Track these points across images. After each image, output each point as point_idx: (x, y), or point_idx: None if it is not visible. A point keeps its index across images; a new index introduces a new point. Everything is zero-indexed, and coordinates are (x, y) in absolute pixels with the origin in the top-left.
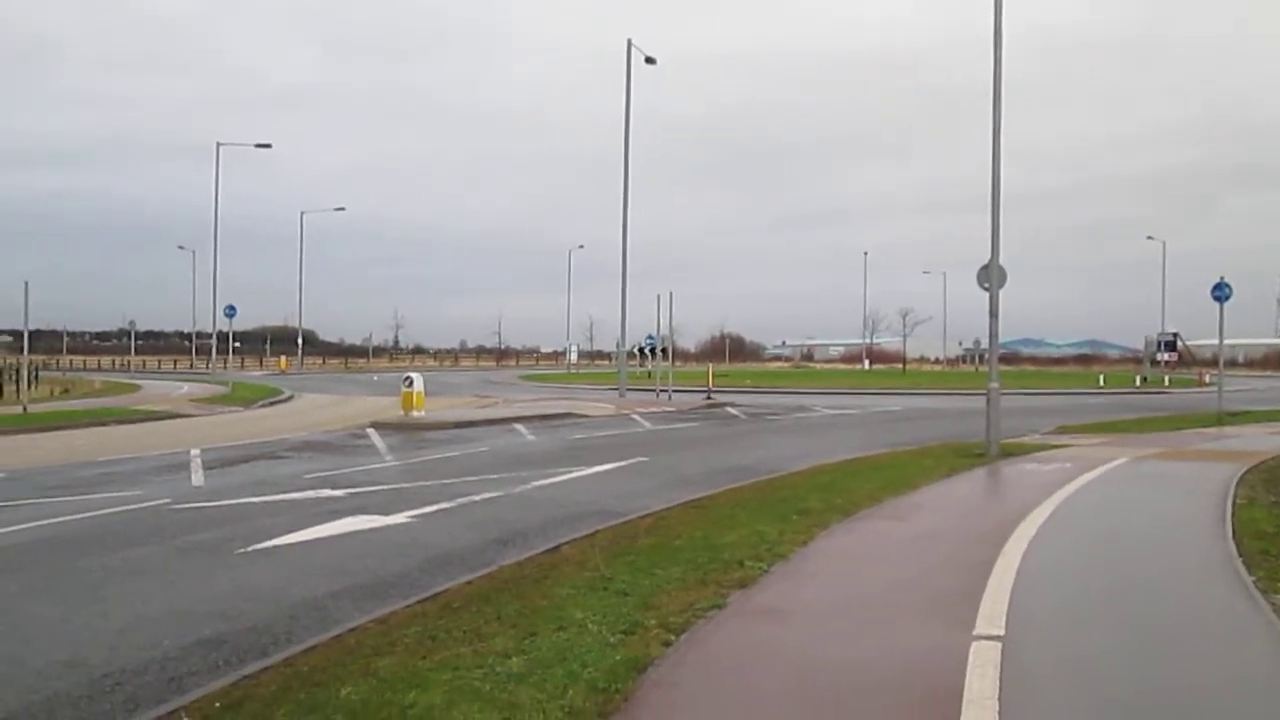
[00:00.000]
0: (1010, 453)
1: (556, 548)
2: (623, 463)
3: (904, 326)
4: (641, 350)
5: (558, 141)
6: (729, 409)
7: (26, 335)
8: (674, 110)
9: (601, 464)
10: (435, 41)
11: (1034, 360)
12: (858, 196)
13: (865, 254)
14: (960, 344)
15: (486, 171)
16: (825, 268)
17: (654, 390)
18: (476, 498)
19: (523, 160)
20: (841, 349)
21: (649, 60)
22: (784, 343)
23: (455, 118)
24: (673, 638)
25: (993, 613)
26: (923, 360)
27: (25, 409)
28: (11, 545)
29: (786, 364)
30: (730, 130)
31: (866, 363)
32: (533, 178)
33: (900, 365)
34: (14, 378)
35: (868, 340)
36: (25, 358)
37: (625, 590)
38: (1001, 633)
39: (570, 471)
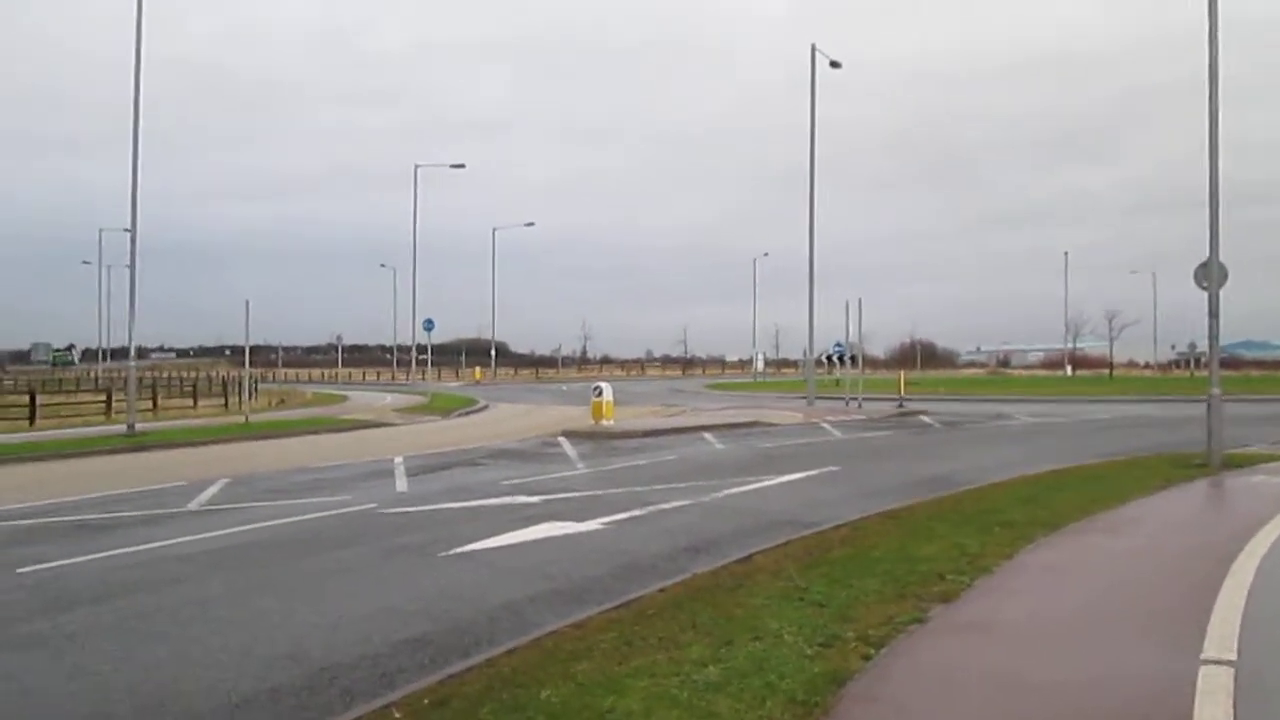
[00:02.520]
0: (1235, 464)
1: (749, 557)
2: (813, 472)
3: (1110, 330)
4: (829, 358)
5: (744, 152)
6: (922, 417)
7: (248, 350)
8: (862, 116)
9: (792, 473)
10: (623, 60)
11: (1259, 364)
12: (1055, 198)
13: (1065, 254)
14: (1173, 348)
15: (673, 183)
16: (1021, 271)
17: (843, 398)
18: (667, 506)
19: (709, 171)
20: (1040, 354)
21: (834, 64)
22: (978, 348)
23: (641, 133)
24: (872, 651)
25: (1223, 635)
26: (1131, 365)
27: (247, 419)
28: (238, 545)
29: (981, 370)
30: (920, 135)
31: (1069, 368)
32: (719, 188)
33: (1106, 371)
34: (237, 390)
35: (1069, 345)
36: (246, 371)
37: (821, 601)
38: (1234, 657)
39: (760, 480)
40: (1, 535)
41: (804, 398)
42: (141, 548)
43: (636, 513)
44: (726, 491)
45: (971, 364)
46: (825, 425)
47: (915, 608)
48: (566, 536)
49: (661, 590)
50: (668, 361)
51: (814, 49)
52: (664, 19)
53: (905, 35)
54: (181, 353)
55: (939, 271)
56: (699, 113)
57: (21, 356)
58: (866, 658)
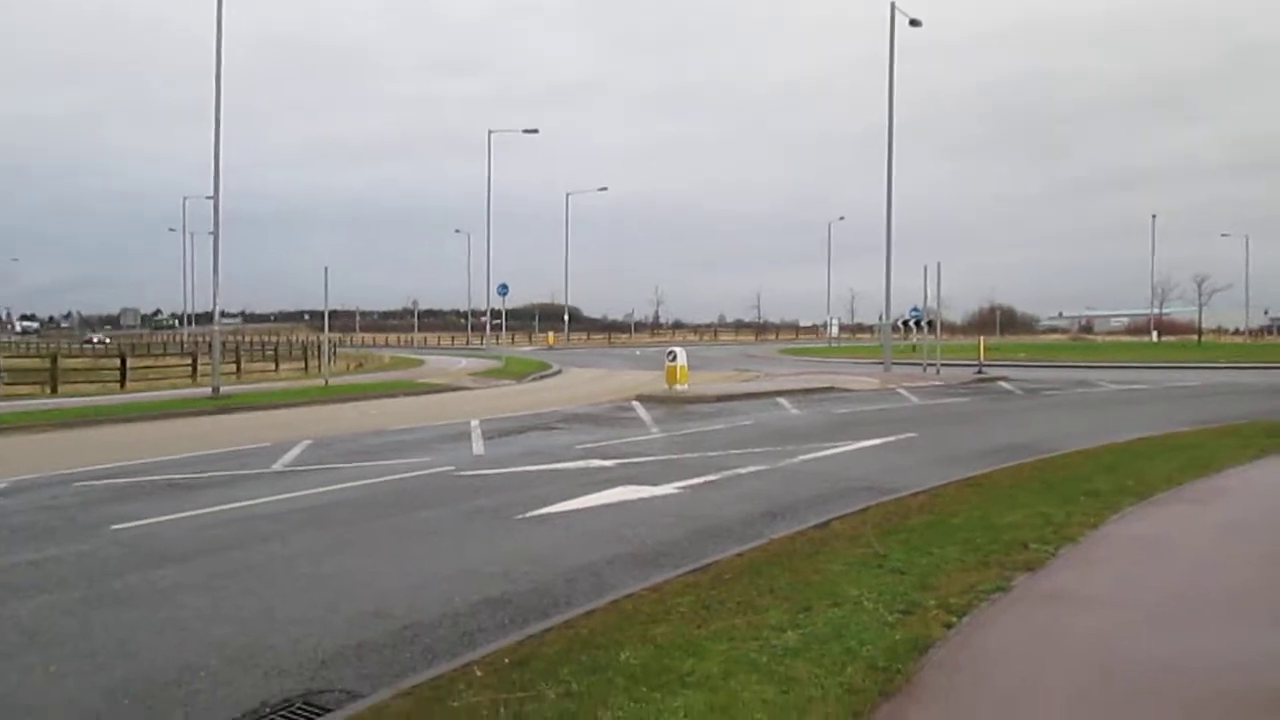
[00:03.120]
0: None
1: (826, 523)
2: (891, 438)
3: (1199, 295)
4: (906, 323)
5: (822, 117)
6: (1002, 383)
7: (326, 315)
8: (945, 79)
9: (868, 439)
10: (704, 25)
11: None
12: (1143, 160)
13: (1153, 218)
14: (1266, 313)
15: (750, 148)
16: (1105, 235)
17: (920, 364)
18: (743, 470)
19: (785, 137)
20: (1125, 320)
21: (913, 23)
22: (1060, 314)
23: (720, 98)
24: (954, 619)
25: None
26: (1220, 331)
27: (327, 382)
28: (321, 505)
29: (1063, 336)
30: (1005, 97)
31: (1155, 334)
32: (795, 153)
33: (1195, 337)
34: (316, 354)
35: (1156, 310)
36: (325, 336)
37: (900, 568)
38: None
39: (836, 446)
40: (97, 494)
41: (880, 363)
42: (228, 507)
43: (712, 477)
44: (802, 457)
45: (1053, 329)
46: (902, 391)
47: (998, 576)
48: (642, 500)
49: (738, 555)
50: (740, 326)
51: (893, 6)
52: None
53: None
54: (262, 317)
55: (1020, 236)
56: (778, 77)
57: (112, 321)
58: (949, 626)
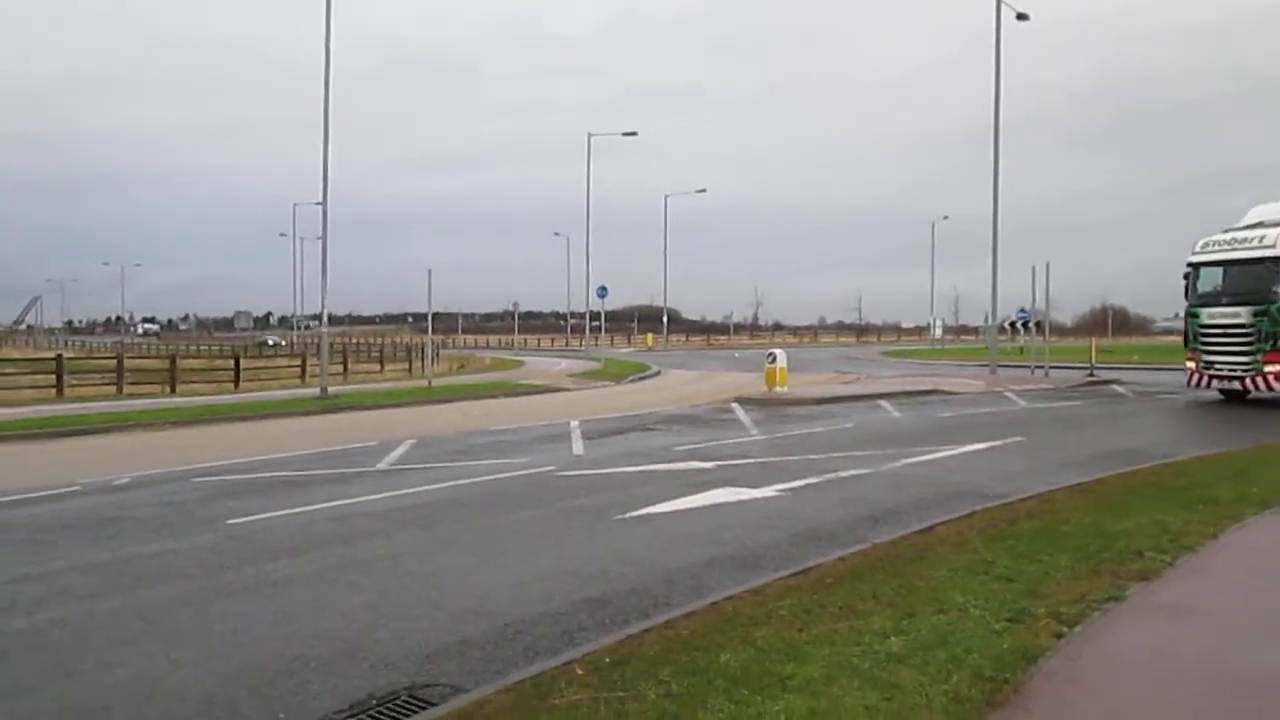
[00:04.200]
0: None
1: (931, 528)
2: (997, 442)
3: None
4: (1013, 324)
5: (926, 116)
6: (1114, 386)
7: (430, 318)
8: (1054, 76)
9: (973, 443)
10: (805, 32)
11: None
12: (1265, 157)
13: None
14: None
15: (850, 150)
16: None
17: (1027, 366)
18: (844, 474)
19: (887, 137)
20: None
21: (1020, 16)
22: (1176, 315)
23: (822, 100)
24: (1065, 629)
25: None
26: None
27: (430, 383)
28: (426, 503)
29: (1179, 338)
30: (1116, 93)
31: None
32: (898, 154)
33: None
34: (420, 355)
35: None
36: (429, 338)
37: (1008, 575)
38: None
39: (940, 450)
40: (213, 489)
41: (985, 366)
42: (336, 504)
43: (812, 480)
44: (905, 460)
45: (1168, 331)
46: (1009, 394)
47: (1111, 585)
48: (741, 502)
49: (840, 559)
50: (841, 328)
51: (999, 1)
52: None
53: None
54: (368, 319)
55: (1134, 234)
56: (880, 76)
57: (226, 324)
58: (1059, 635)
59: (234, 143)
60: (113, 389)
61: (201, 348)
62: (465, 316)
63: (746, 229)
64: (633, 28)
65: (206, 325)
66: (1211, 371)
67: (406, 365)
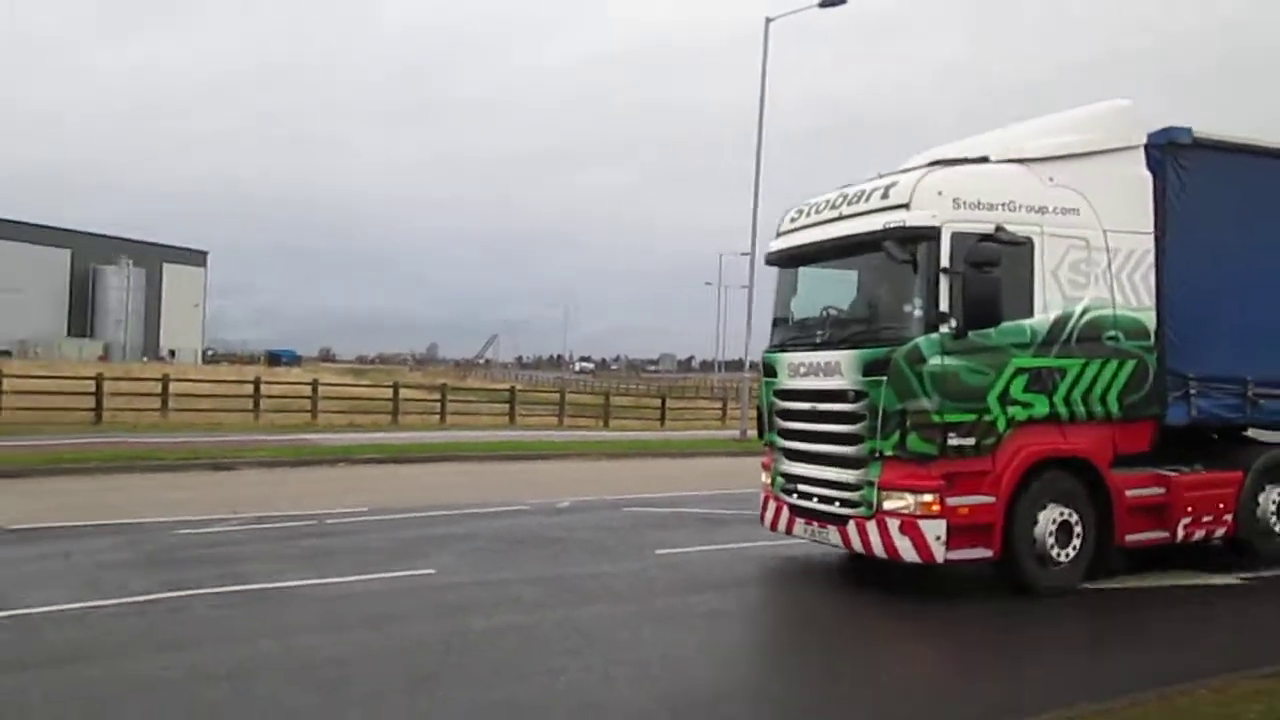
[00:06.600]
0: None
1: None
2: None
3: None
4: None
5: None
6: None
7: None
8: None
9: None
10: None
11: None
12: None
13: None
14: None
15: None
16: None
17: None
18: None
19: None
20: None
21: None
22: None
23: None
24: None
25: None
26: None
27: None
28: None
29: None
30: None
31: None
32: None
33: None
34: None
35: None
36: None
37: None
38: None
39: None
40: (641, 519)
41: None
42: (749, 544)
43: None
44: None
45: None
46: None
47: None
48: None
49: None
50: None
51: None
52: None
53: None
54: None
55: None
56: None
57: (652, 364)
58: None
59: (665, 196)
60: (554, 419)
61: (630, 386)
62: None
63: None
64: None
65: (636, 366)
66: (794, 500)
67: None
